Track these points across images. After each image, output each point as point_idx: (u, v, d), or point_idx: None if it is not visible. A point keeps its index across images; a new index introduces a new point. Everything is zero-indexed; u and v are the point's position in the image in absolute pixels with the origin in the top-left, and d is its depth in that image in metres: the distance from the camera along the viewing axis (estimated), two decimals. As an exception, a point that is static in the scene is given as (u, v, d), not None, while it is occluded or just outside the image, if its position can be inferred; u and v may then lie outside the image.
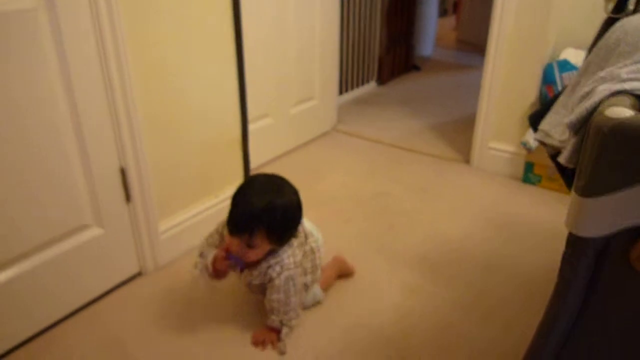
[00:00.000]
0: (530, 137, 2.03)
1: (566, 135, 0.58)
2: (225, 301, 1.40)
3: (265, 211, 1.11)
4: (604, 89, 0.47)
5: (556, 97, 1.08)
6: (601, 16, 1.94)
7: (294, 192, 1.20)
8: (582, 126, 0.50)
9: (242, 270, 1.24)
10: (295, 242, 1.25)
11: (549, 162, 1.99)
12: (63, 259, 1.28)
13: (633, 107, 0.42)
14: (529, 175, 2.11)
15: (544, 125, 0.72)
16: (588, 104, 0.47)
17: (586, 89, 0.51)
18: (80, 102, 1.20)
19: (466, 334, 1.29)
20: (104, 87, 1.24)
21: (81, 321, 1.33)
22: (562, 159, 0.55)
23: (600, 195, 0.42)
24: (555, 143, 0.66)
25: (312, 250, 1.32)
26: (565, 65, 1.94)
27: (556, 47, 2.02)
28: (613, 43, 0.59)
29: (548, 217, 1.84)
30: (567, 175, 1.19)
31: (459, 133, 2.64)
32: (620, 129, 0.39)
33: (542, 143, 0.75)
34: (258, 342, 1.25)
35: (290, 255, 1.22)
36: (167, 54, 1.39)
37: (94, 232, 1.34)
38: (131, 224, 1.43)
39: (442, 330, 1.29)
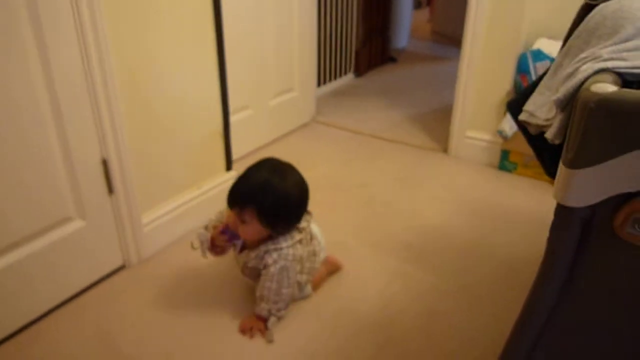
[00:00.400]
0: (506, 125, 2.08)
1: (552, 113, 0.61)
2: (211, 289, 1.40)
3: (258, 190, 1.16)
4: (587, 68, 0.50)
5: (535, 83, 1.12)
6: (573, 6, 2.00)
7: (297, 184, 1.22)
8: (568, 103, 0.53)
9: (241, 251, 1.25)
10: (297, 236, 1.26)
11: (524, 150, 2.05)
12: (46, 252, 1.26)
13: (615, 84, 0.45)
14: (505, 162, 2.17)
15: (529, 106, 0.76)
16: (574, 81, 0.50)
17: (569, 70, 0.54)
18: (61, 94, 1.18)
19: (455, 322, 1.30)
20: (85, 79, 1.23)
21: (67, 314, 1.31)
22: (549, 134, 0.58)
23: (587, 166, 0.45)
24: (541, 122, 0.70)
25: (315, 253, 1.34)
26: (538, 55, 1.99)
27: (529, 37, 2.07)
28: (592, 27, 0.62)
29: (524, 203, 1.90)
30: (543, 159, 1.23)
31: (436, 123, 2.68)
32: (605, 103, 0.42)
33: (526, 123, 0.78)
34: (245, 330, 1.26)
35: (291, 246, 1.23)
36: (148, 46, 1.38)
37: (77, 224, 1.33)
38: (114, 216, 1.42)
39: (429, 317, 1.32)
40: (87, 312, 1.32)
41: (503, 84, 2.09)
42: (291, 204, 1.21)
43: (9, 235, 1.18)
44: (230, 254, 1.35)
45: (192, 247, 1.27)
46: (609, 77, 0.47)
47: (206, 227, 1.28)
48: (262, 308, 1.25)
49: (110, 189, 1.38)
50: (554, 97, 0.52)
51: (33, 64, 1.12)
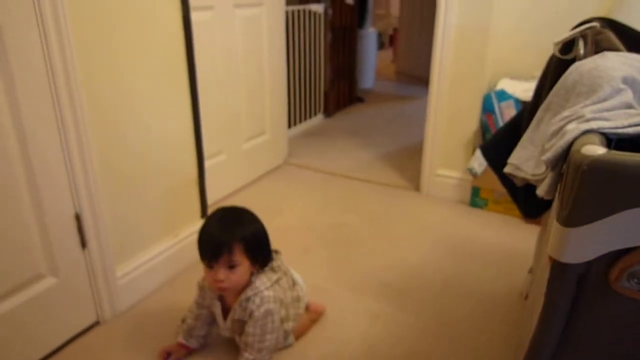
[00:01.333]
0: (475, 163, 2.14)
1: (540, 170, 0.64)
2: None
3: (236, 226, 1.18)
4: (573, 128, 0.53)
5: (507, 128, 1.17)
6: (533, 47, 2.10)
7: (253, 215, 1.26)
8: (557, 162, 0.55)
9: (225, 317, 1.24)
10: (274, 276, 1.25)
11: (494, 186, 2.11)
12: (16, 313, 1.20)
13: (601, 143, 0.48)
14: (475, 199, 2.22)
15: (513, 159, 0.79)
16: (562, 142, 0.53)
17: (554, 128, 0.57)
18: (32, 149, 1.15)
19: None
20: (57, 132, 1.21)
21: (36, 379, 1.24)
22: (540, 192, 0.60)
23: (581, 224, 0.47)
24: (528, 177, 0.72)
25: (298, 298, 1.34)
26: (502, 95, 2.08)
27: (492, 77, 2.17)
28: (570, 84, 0.66)
29: (496, 239, 1.94)
30: (517, 198, 1.27)
31: (406, 161, 2.74)
32: (596, 165, 0.44)
33: (511, 175, 0.81)
34: None
35: (270, 287, 1.22)
36: (123, 98, 1.37)
37: (49, 281, 1.27)
38: (87, 271, 1.37)
39: (412, 358, 1.32)
40: (59, 375, 1.26)
41: (470, 124, 2.16)
42: (264, 232, 1.25)
43: (-24, 297, 1.12)
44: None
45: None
46: (595, 137, 0.50)
47: (183, 320, 1.31)
48: (246, 358, 1.22)
49: (84, 244, 1.34)
50: (544, 157, 0.55)
51: (3, 116, 1.09)
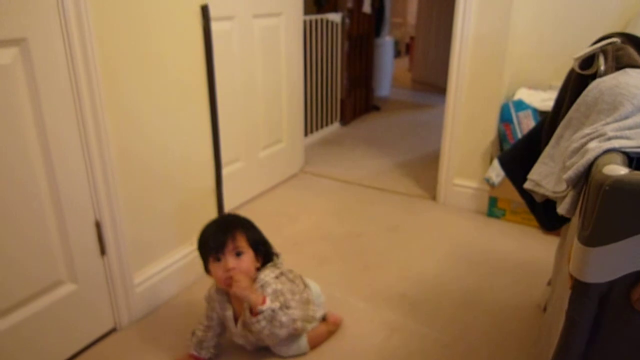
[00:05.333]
0: (493, 173, 2.12)
1: (560, 187, 0.63)
2: (206, 353, 1.37)
3: (233, 220, 1.29)
4: (595, 147, 0.52)
5: (525, 139, 1.16)
6: (551, 58, 2.08)
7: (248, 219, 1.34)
8: (579, 181, 0.55)
9: (236, 322, 1.24)
10: (276, 270, 1.28)
11: (512, 197, 2.09)
12: (36, 318, 1.22)
13: (624, 163, 0.48)
14: (493, 209, 2.20)
15: (533, 175, 0.78)
16: (584, 160, 0.52)
17: (575, 145, 0.56)
18: (55, 157, 1.18)
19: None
20: (80, 142, 1.23)
21: (55, 385, 1.26)
22: (562, 210, 0.60)
23: (603, 244, 0.46)
24: (548, 193, 0.72)
25: (308, 301, 1.34)
26: (520, 105, 2.06)
27: (510, 87, 2.15)
28: (591, 101, 0.65)
29: (514, 249, 1.92)
30: (536, 211, 1.26)
31: (423, 170, 2.72)
32: (618, 185, 0.44)
33: (531, 191, 0.80)
34: None
35: (275, 279, 1.26)
36: (143, 109, 1.39)
37: (68, 288, 1.29)
38: (106, 278, 1.39)
39: (428, 370, 1.31)
40: (77, 380, 1.27)
41: (488, 133, 2.14)
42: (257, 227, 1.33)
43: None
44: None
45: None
46: (617, 157, 0.50)
47: (193, 333, 1.33)
48: (292, 314, 1.24)
49: (103, 251, 1.35)
50: (566, 176, 0.55)
51: (28, 128, 1.12)
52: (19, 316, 1.19)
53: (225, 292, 1.27)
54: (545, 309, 1.42)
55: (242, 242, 1.23)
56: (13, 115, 1.08)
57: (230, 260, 1.20)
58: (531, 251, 1.89)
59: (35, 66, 1.10)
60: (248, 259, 1.23)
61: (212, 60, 1.59)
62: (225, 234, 1.22)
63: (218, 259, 1.21)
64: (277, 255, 1.34)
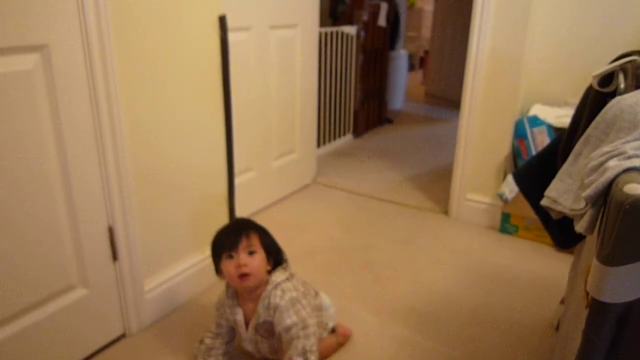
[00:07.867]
0: (506, 189, 2.10)
1: (579, 205, 0.63)
2: None
3: (246, 221, 1.30)
4: (615, 165, 0.52)
5: (540, 155, 1.15)
6: (567, 74, 2.07)
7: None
8: (598, 199, 0.54)
9: (247, 327, 1.24)
10: (286, 273, 1.28)
11: (526, 213, 2.07)
12: (47, 322, 1.23)
13: (643, 181, 0.47)
14: (506, 225, 2.18)
15: (551, 192, 0.77)
16: (603, 178, 0.52)
17: (594, 163, 0.56)
18: (71, 162, 1.19)
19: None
20: (95, 147, 1.25)
21: (63, 389, 1.26)
22: (580, 228, 0.59)
23: (622, 264, 0.46)
24: (566, 210, 0.71)
25: (320, 307, 1.35)
26: (535, 121, 2.05)
27: (525, 103, 2.14)
28: (610, 119, 0.65)
29: (527, 266, 1.89)
30: (550, 228, 1.24)
31: (435, 184, 2.71)
32: (638, 205, 0.43)
33: (548, 208, 0.79)
34: None
35: (286, 280, 1.26)
36: (159, 118, 1.41)
37: (79, 292, 1.30)
38: (117, 284, 1.39)
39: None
40: (85, 386, 1.27)
41: (502, 148, 2.13)
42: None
43: (10, 305, 1.15)
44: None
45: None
46: (637, 176, 0.49)
47: (201, 341, 1.32)
48: (295, 347, 1.19)
49: (115, 256, 1.36)
50: (585, 194, 0.54)
51: (45, 133, 1.14)
52: (29, 320, 1.19)
53: (235, 296, 1.27)
54: (557, 328, 1.39)
55: (255, 242, 1.24)
56: (32, 120, 1.10)
57: (243, 257, 1.21)
58: (544, 268, 1.87)
59: (55, 73, 1.12)
60: (260, 258, 1.23)
61: (228, 70, 1.61)
62: (239, 233, 1.23)
63: (231, 256, 1.21)
64: (286, 261, 1.34)
